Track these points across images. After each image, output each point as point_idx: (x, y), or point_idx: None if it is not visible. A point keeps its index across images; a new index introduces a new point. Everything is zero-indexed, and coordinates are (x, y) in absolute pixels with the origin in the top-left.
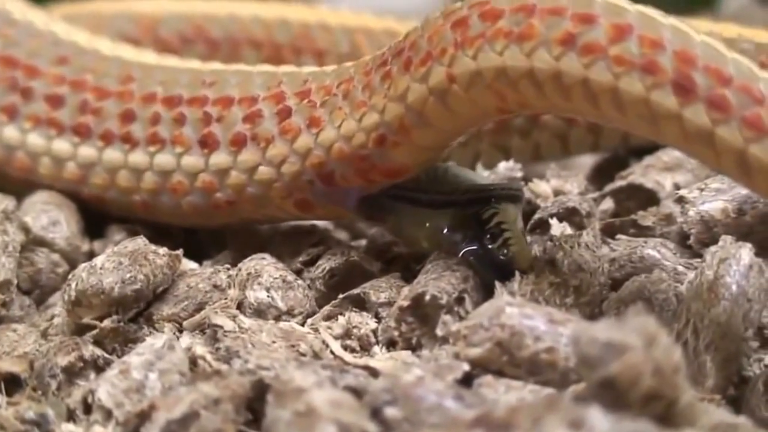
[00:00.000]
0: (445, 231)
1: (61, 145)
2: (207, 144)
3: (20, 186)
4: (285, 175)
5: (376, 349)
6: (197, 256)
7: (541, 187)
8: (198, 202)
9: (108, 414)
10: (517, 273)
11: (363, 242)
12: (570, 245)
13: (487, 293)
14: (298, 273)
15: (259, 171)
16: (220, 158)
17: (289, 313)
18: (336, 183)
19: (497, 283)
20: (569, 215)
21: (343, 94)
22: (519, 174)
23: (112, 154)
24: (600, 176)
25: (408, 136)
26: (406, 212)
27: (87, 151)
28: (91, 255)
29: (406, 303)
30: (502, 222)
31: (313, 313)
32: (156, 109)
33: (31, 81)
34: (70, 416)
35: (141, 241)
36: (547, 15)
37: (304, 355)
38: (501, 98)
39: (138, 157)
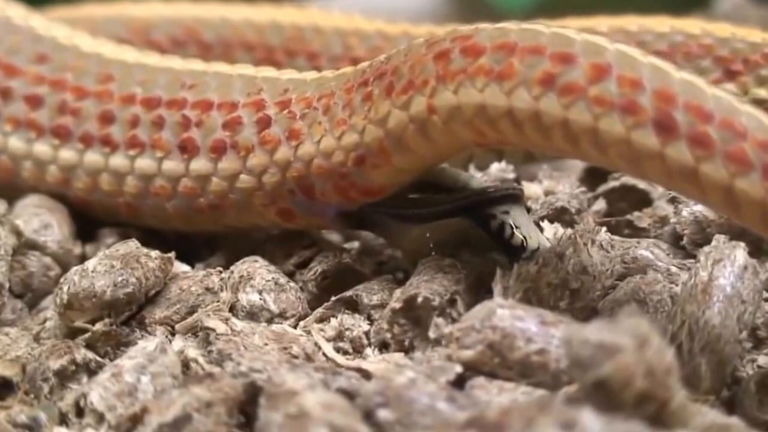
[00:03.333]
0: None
1: (42, 148)
2: (187, 149)
3: (8, 190)
4: (266, 184)
5: (368, 351)
6: (189, 259)
7: (532, 189)
8: (181, 207)
9: (100, 417)
10: (515, 266)
11: (355, 244)
12: (584, 241)
13: (480, 295)
14: (291, 275)
15: (240, 179)
16: (200, 164)
17: (282, 316)
18: (316, 196)
19: (497, 275)
20: (559, 215)
21: (324, 109)
22: (511, 175)
23: (93, 158)
24: (592, 177)
25: (388, 159)
26: (389, 227)
27: (67, 154)
28: (83, 258)
29: (398, 305)
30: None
31: (306, 316)
32: (135, 111)
33: (10, 80)
34: (63, 420)
35: (133, 244)
36: (527, 54)
37: (296, 357)
38: (480, 134)
39: (119, 161)
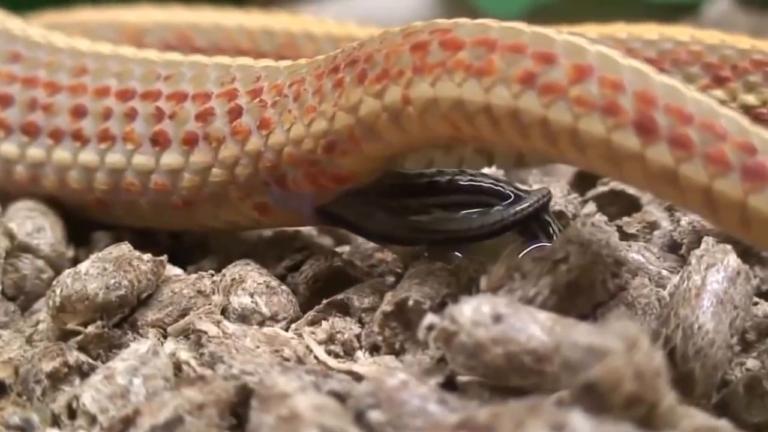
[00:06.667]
0: None
1: (9, 148)
2: (158, 142)
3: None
4: (239, 176)
5: (359, 353)
6: (182, 262)
7: None
8: (155, 203)
9: (92, 419)
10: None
11: (347, 248)
12: (583, 221)
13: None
14: (282, 278)
15: (212, 173)
16: (172, 158)
17: (273, 319)
18: (289, 187)
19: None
20: (556, 218)
21: (294, 96)
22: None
23: (62, 154)
24: (582, 182)
25: (358, 147)
26: (366, 223)
27: (36, 152)
28: (75, 261)
29: (389, 308)
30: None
31: (297, 319)
32: (108, 104)
33: None
34: (55, 422)
35: (125, 247)
36: (508, 51)
37: (287, 360)
38: (456, 128)
39: (88, 156)
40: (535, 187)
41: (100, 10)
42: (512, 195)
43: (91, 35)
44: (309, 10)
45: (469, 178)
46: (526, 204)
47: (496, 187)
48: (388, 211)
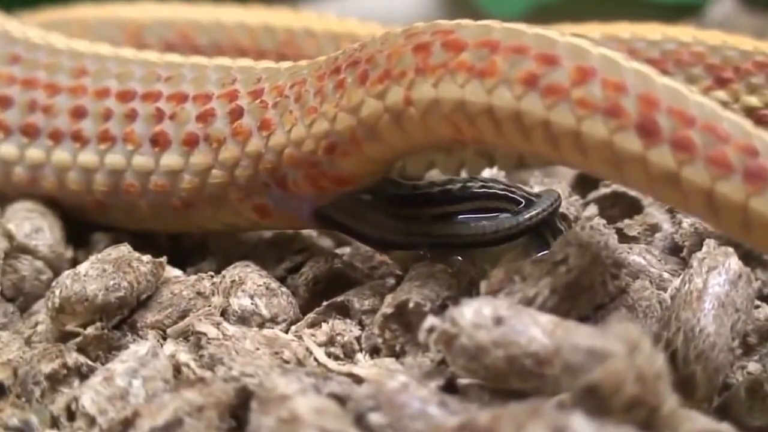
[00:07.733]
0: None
1: (8, 149)
2: (158, 143)
3: None
4: (239, 177)
5: (359, 356)
6: (181, 264)
7: None
8: (155, 204)
9: (92, 421)
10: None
11: (347, 249)
12: (582, 225)
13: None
14: (282, 280)
15: (212, 174)
16: (171, 159)
17: (273, 321)
18: (289, 188)
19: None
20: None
21: (295, 96)
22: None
23: (61, 155)
24: (583, 184)
25: (359, 148)
26: (367, 228)
27: (35, 153)
28: (74, 262)
29: (389, 310)
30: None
31: (297, 321)
32: (109, 105)
33: None
34: (54, 423)
35: (125, 249)
36: (511, 53)
37: (287, 362)
38: (457, 130)
39: (88, 157)
40: (537, 189)
41: (99, 6)
42: (523, 200)
43: (90, 32)
44: (309, 9)
45: (481, 184)
46: (540, 208)
47: (508, 192)
48: (392, 216)
